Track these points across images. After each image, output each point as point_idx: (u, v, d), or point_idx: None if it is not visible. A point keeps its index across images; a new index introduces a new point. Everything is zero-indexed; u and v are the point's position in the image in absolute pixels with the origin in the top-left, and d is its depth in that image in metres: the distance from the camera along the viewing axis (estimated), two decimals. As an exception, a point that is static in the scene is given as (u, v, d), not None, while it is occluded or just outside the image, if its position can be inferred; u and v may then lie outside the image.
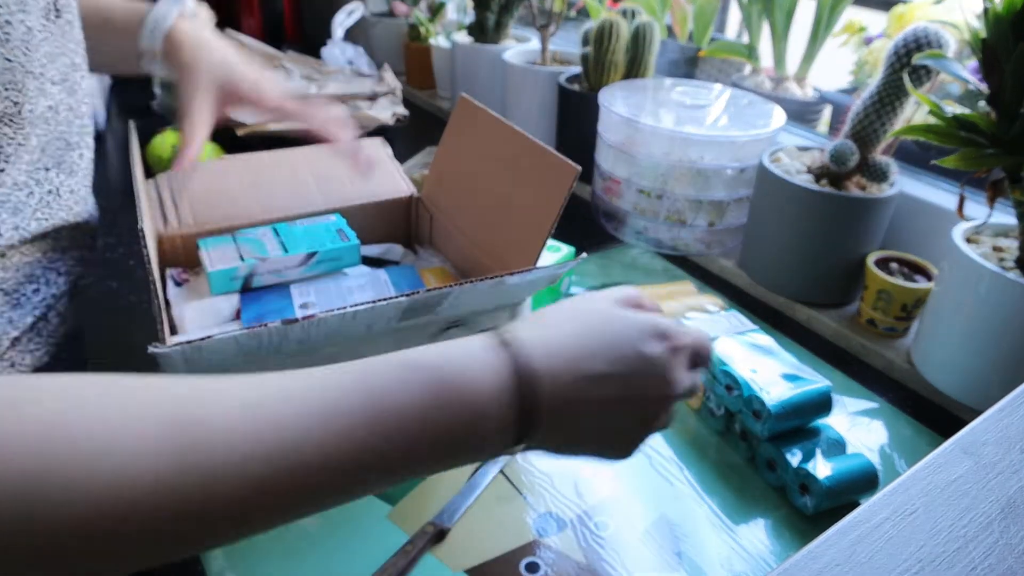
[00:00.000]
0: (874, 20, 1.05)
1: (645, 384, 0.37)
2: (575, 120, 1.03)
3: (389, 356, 0.34)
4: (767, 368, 0.61)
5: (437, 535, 0.51)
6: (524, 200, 0.61)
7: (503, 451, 0.36)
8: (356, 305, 0.47)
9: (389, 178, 0.79)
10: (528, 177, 0.61)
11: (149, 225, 0.54)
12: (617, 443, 0.39)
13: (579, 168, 0.55)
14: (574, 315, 0.39)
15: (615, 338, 0.37)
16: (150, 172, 0.93)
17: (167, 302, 0.62)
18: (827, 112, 1.10)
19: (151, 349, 0.43)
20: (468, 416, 0.33)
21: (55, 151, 0.51)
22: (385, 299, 0.48)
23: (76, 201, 0.54)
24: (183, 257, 0.69)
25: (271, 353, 0.51)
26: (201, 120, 0.62)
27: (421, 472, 0.34)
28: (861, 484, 0.55)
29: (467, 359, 0.34)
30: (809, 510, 0.54)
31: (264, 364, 0.52)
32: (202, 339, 0.44)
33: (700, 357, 0.41)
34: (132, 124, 0.61)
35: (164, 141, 1.02)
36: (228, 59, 0.66)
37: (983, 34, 0.56)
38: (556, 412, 0.35)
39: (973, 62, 0.64)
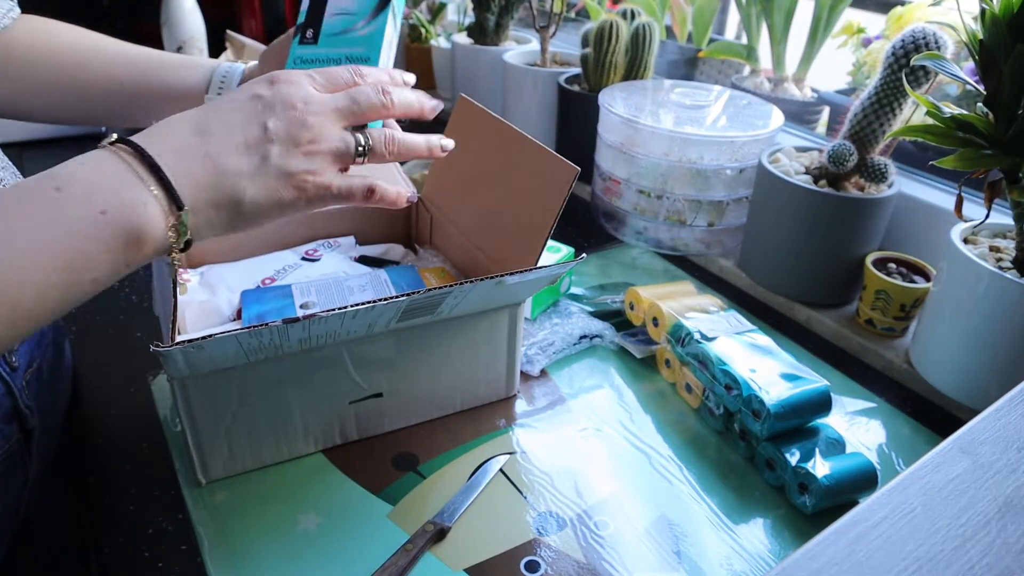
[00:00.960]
0: (872, 21, 1.05)
1: (267, 115, 0.41)
2: (575, 121, 1.03)
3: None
4: (766, 368, 0.61)
5: (437, 534, 0.51)
6: (524, 200, 0.61)
7: (164, 228, 0.38)
8: (356, 305, 0.47)
9: (389, 178, 0.79)
10: (528, 177, 0.61)
11: None
12: (283, 181, 0.41)
13: (578, 169, 0.55)
14: (188, 111, 0.42)
15: (226, 98, 0.42)
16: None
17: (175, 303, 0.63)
18: (825, 113, 1.10)
19: (153, 348, 0.44)
20: (86, 211, 0.36)
21: None
22: (385, 299, 0.48)
23: None
24: (183, 258, 0.69)
25: (272, 352, 0.51)
26: None
27: (99, 272, 0.37)
28: (860, 483, 0.55)
29: (75, 163, 0.37)
30: (808, 509, 0.54)
31: (265, 363, 0.52)
32: (203, 338, 0.44)
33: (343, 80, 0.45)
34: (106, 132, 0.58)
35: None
36: None
37: (980, 35, 0.56)
38: (186, 170, 0.38)
39: (971, 63, 0.64)
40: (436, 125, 0.73)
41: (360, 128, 0.45)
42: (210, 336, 0.44)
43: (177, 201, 0.38)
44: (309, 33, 0.52)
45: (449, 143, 0.49)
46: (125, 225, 0.36)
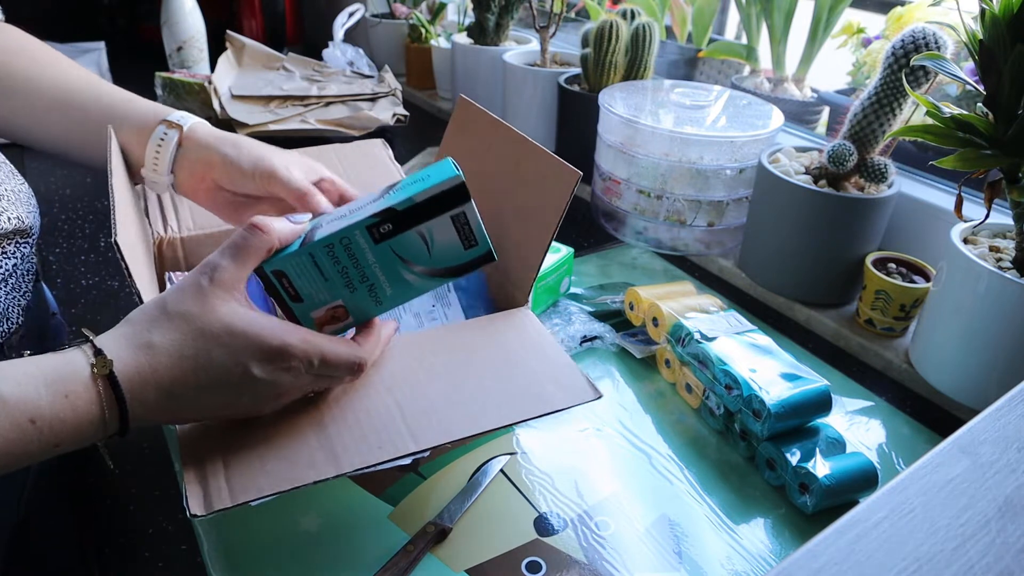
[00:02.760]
0: (872, 21, 1.05)
1: (244, 392, 0.42)
2: (575, 121, 1.03)
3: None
4: (766, 368, 0.61)
5: (438, 535, 0.51)
6: (526, 204, 0.61)
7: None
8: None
9: (390, 180, 0.79)
10: (529, 181, 0.61)
11: (131, 234, 0.53)
12: (230, 415, 0.44)
13: (580, 173, 0.55)
14: (185, 336, 0.41)
15: (218, 359, 0.41)
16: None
17: None
18: (825, 113, 1.10)
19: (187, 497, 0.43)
20: (45, 445, 0.39)
21: None
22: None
23: None
24: (183, 260, 0.69)
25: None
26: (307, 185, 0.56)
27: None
28: (860, 483, 0.55)
29: (50, 399, 0.38)
30: (808, 509, 0.55)
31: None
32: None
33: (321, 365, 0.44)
34: (110, 129, 0.57)
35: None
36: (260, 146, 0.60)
37: (980, 36, 0.56)
38: (146, 420, 0.41)
39: (971, 63, 0.64)
40: (437, 126, 0.73)
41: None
42: (247, 502, 0.43)
43: (124, 433, 0.41)
44: (386, 228, 0.44)
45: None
46: (68, 450, 0.40)
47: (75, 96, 0.60)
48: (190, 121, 0.58)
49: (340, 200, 0.59)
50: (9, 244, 0.54)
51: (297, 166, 0.58)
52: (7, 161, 0.58)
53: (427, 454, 0.49)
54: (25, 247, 0.57)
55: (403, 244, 0.44)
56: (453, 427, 0.47)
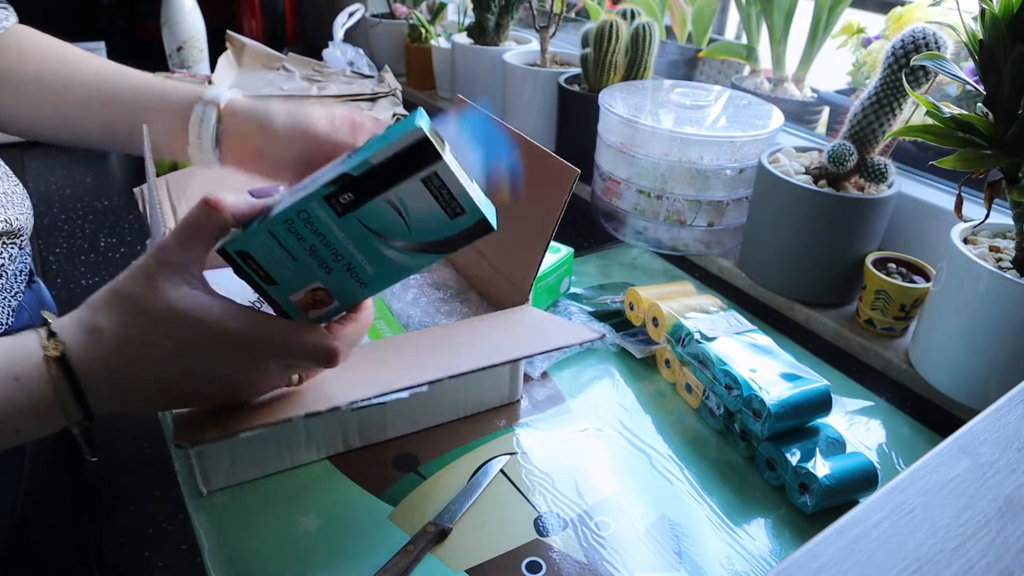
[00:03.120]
0: (872, 21, 1.05)
1: (207, 382, 0.41)
2: (575, 121, 1.03)
3: None
4: (766, 368, 0.61)
5: (438, 535, 0.51)
6: (524, 203, 0.61)
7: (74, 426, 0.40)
8: (385, 396, 0.47)
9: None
10: (528, 179, 0.61)
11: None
12: (205, 399, 0.43)
13: (578, 171, 0.55)
14: (134, 320, 0.40)
15: (168, 346, 0.40)
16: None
17: None
18: (825, 113, 1.10)
19: (176, 445, 0.43)
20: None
21: None
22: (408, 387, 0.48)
23: None
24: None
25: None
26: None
27: None
28: (860, 483, 0.55)
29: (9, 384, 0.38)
30: (809, 509, 0.55)
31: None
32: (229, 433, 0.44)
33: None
34: (146, 129, 0.58)
35: (165, 142, 1.02)
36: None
37: (980, 36, 0.56)
38: (112, 395, 0.40)
39: (971, 63, 0.64)
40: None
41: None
42: (237, 433, 0.44)
43: (91, 418, 0.40)
44: (347, 198, 0.38)
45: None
46: (33, 435, 0.39)
47: (108, 89, 0.60)
48: (226, 97, 0.59)
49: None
50: None
51: (334, 120, 0.57)
52: (1, 163, 0.58)
53: (425, 388, 0.48)
54: (14, 248, 0.56)
55: (372, 215, 0.38)
56: (454, 365, 0.47)
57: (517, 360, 0.49)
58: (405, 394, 0.47)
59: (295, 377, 0.46)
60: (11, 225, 0.55)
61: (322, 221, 0.38)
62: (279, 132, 0.56)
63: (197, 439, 0.42)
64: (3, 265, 0.55)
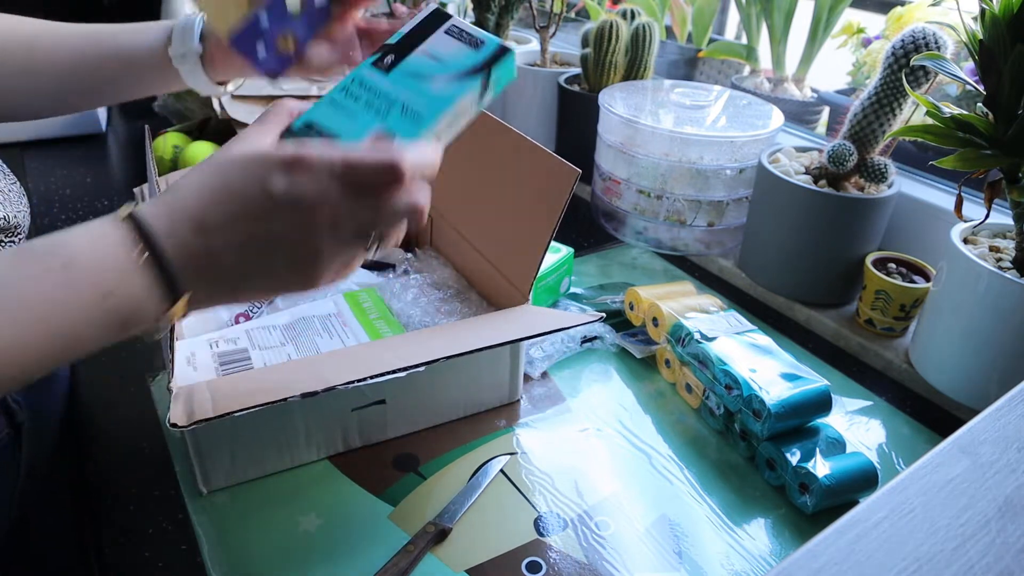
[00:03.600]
0: (872, 21, 1.05)
1: (274, 218, 0.38)
2: (575, 121, 1.03)
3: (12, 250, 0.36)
4: (766, 368, 0.61)
5: (438, 535, 0.51)
6: (525, 203, 0.61)
7: (159, 319, 0.38)
8: (375, 376, 0.47)
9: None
10: (528, 180, 0.61)
11: None
12: (284, 278, 0.40)
13: (579, 171, 0.55)
14: (203, 171, 0.39)
15: (239, 180, 0.38)
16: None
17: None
18: (825, 113, 1.10)
19: (171, 424, 0.43)
20: (91, 294, 0.35)
21: None
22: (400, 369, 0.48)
23: None
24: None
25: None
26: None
27: (91, 345, 0.36)
28: (860, 483, 0.55)
29: (83, 240, 0.36)
30: (809, 509, 0.55)
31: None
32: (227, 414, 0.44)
33: (370, 173, 0.39)
34: (148, 129, 0.58)
35: (166, 142, 1.02)
36: None
37: (980, 36, 0.56)
38: (188, 263, 0.37)
39: (971, 63, 0.64)
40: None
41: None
42: (229, 414, 0.44)
43: (176, 291, 0.37)
44: (389, 59, 0.46)
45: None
46: (123, 312, 0.36)
47: (88, 51, 0.59)
48: (199, 16, 0.59)
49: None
50: None
51: None
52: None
53: (421, 369, 0.49)
54: (12, 245, 0.57)
55: (413, 66, 0.46)
56: (452, 348, 0.48)
57: (516, 341, 0.50)
58: (402, 374, 0.47)
59: (369, 253, 0.41)
60: (8, 222, 0.55)
61: (372, 81, 0.46)
62: None
63: (192, 419, 0.42)
64: None
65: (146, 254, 0.36)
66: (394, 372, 0.47)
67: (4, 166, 0.59)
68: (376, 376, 0.46)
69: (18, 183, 0.60)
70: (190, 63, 0.59)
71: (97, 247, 0.36)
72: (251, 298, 0.41)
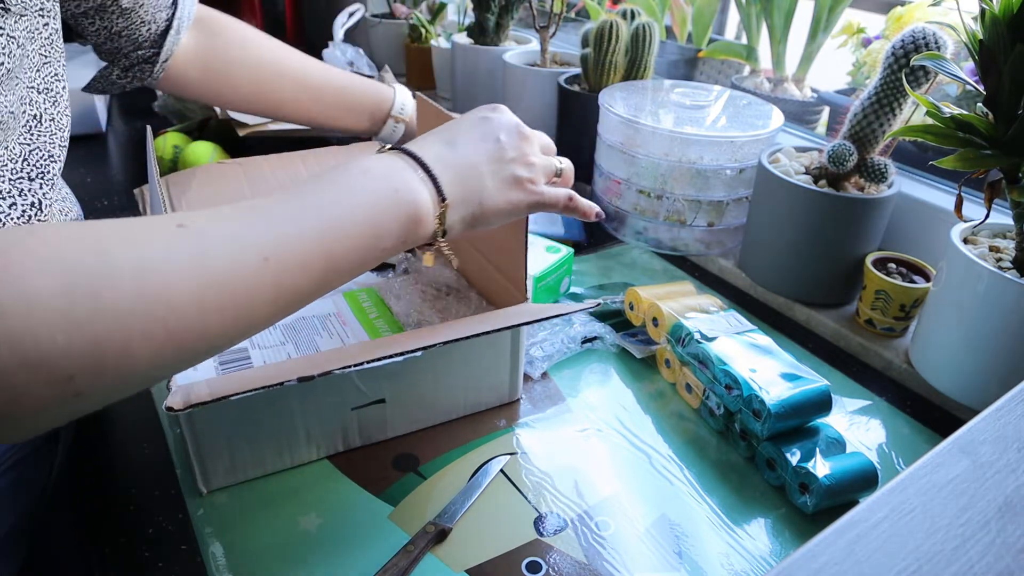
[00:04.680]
0: (872, 21, 1.05)
1: (492, 130, 0.50)
2: (575, 121, 1.03)
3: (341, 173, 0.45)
4: (766, 368, 0.61)
5: (438, 535, 0.51)
6: None
7: (437, 216, 0.47)
8: (369, 362, 0.48)
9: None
10: None
11: None
12: (512, 181, 0.50)
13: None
14: (438, 129, 0.52)
15: (460, 121, 0.52)
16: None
17: None
18: (825, 113, 1.10)
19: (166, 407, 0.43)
20: (386, 187, 0.44)
21: (38, 162, 0.51)
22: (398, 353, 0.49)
23: (61, 213, 0.54)
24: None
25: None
26: None
27: (389, 241, 0.44)
28: (860, 483, 0.55)
29: (368, 159, 0.46)
30: (809, 509, 0.55)
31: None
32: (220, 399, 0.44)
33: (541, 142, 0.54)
34: (149, 129, 0.61)
35: (166, 142, 1.02)
36: None
37: (980, 35, 0.56)
38: (445, 171, 0.47)
39: (971, 63, 0.64)
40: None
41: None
42: (225, 397, 0.44)
43: (442, 194, 0.46)
44: None
45: (598, 210, 0.57)
46: (411, 204, 0.45)
47: (312, 84, 0.84)
48: (409, 109, 0.86)
49: None
50: None
51: None
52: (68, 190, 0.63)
53: (419, 354, 0.51)
54: None
55: None
56: (450, 334, 0.49)
57: (517, 326, 0.51)
58: (400, 359, 0.49)
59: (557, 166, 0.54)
60: (80, 220, 0.58)
61: None
62: None
63: (188, 403, 0.42)
64: None
65: (418, 166, 0.46)
66: (392, 357, 0.48)
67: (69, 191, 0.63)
68: (373, 360, 0.47)
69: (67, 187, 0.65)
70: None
71: (382, 161, 0.46)
72: (493, 206, 0.50)
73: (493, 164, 0.50)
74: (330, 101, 0.84)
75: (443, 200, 0.46)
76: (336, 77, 0.85)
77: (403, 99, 0.83)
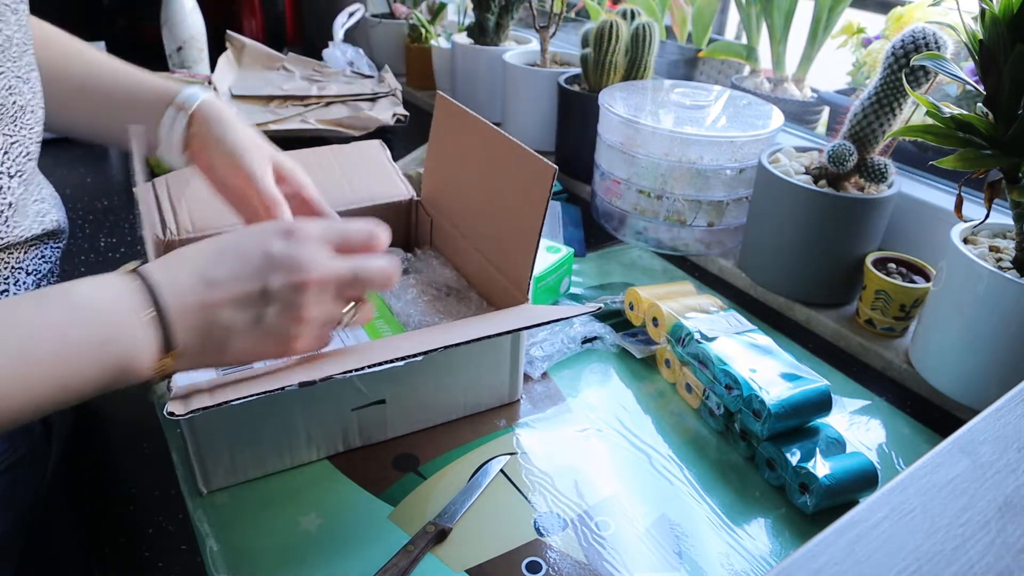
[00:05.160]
0: (872, 21, 1.05)
1: (270, 276, 0.42)
2: (575, 121, 1.03)
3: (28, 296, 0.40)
4: (766, 368, 0.61)
5: (438, 535, 0.51)
6: (511, 201, 0.61)
7: (152, 369, 0.40)
8: (371, 366, 0.47)
9: (388, 181, 0.79)
10: (512, 177, 0.61)
11: (150, 232, 0.55)
12: (268, 339, 0.44)
13: (555, 168, 0.56)
14: (209, 240, 0.44)
15: (239, 243, 0.43)
16: (151, 174, 0.93)
17: None
18: (825, 113, 1.10)
19: (167, 413, 0.43)
20: (94, 337, 0.38)
21: (18, 158, 0.50)
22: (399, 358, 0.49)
23: (38, 215, 0.54)
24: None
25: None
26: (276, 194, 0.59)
27: (84, 390, 0.39)
28: (860, 483, 0.55)
29: (90, 288, 0.40)
30: (809, 509, 0.55)
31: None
32: (222, 403, 0.44)
33: (348, 246, 0.46)
34: (133, 130, 0.59)
35: (165, 142, 1.02)
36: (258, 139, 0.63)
37: (980, 36, 0.56)
38: (186, 316, 0.40)
39: (971, 63, 0.64)
40: (425, 119, 0.74)
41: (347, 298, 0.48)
42: (227, 402, 0.44)
43: (170, 345, 0.40)
44: None
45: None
46: (121, 358, 0.39)
47: (94, 83, 0.62)
48: (198, 100, 0.61)
49: (305, 211, 0.62)
50: (45, 247, 0.56)
51: (273, 171, 0.60)
52: (38, 168, 0.59)
53: (420, 359, 0.50)
54: (58, 250, 0.58)
55: None
56: (443, 339, 0.49)
57: (517, 331, 0.51)
58: (401, 363, 0.48)
59: (345, 317, 0.47)
60: (60, 225, 0.57)
61: None
62: (224, 155, 0.59)
63: (189, 408, 0.42)
64: (51, 268, 0.56)
65: (151, 310, 0.40)
66: (392, 361, 0.47)
67: (42, 174, 0.59)
68: (374, 365, 0.47)
69: (51, 186, 0.61)
70: (174, 160, 0.62)
71: (103, 295, 0.39)
72: (235, 358, 0.44)
73: (251, 312, 0.42)
74: (115, 97, 0.62)
75: (169, 351, 0.40)
76: (124, 72, 0.63)
77: (194, 93, 0.61)
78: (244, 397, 0.44)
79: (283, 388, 0.44)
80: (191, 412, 0.43)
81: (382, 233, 0.48)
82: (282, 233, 0.43)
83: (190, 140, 0.60)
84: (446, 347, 0.50)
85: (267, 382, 0.45)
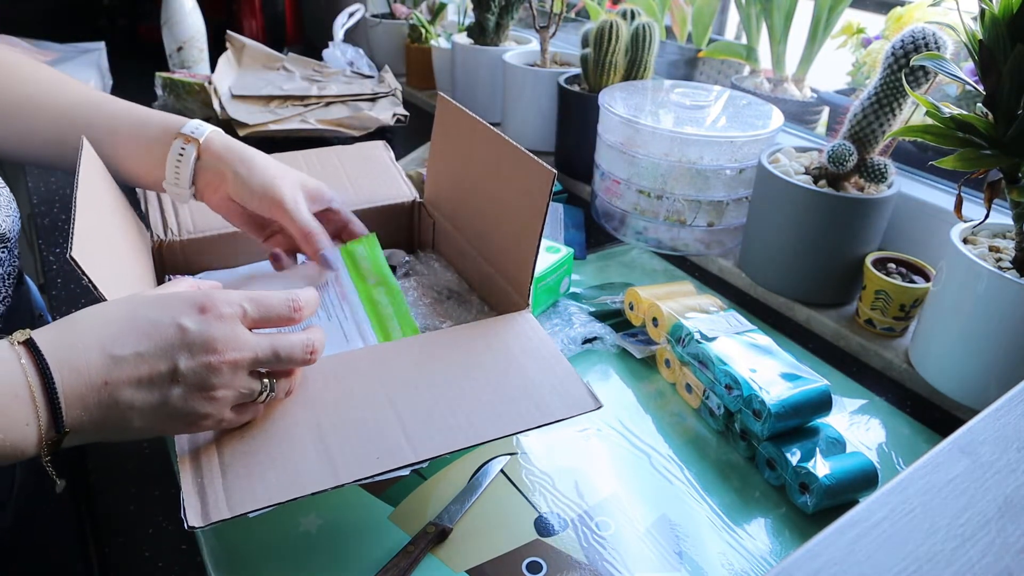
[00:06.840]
0: (872, 21, 1.05)
1: (181, 355, 0.39)
2: (575, 121, 1.03)
3: None
4: (766, 368, 0.61)
5: (439, 535, 0.51)
6: (512, 204, 0.61)
7: (37, 446, 0.37)
8: (390, 471, 0.46)
9: (392, 183, 0.79)
10: (512, 181, 0.61)
11: (98, 244, 0.52)
12: (174, 418, 0.40)
13: (555, 172, 0.55)
14: (111, 305, 0.41)
15: (150, 315, 0.39)
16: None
17: None
18: (825, 113, 1.10)
19: (188, 526, 0.42)
20: None
21: None
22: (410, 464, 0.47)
23: None
24: (183, 263, 0.69)
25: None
26: (313, 222, 0.59)
27: None
28: (860, 483, 0.55)
29: None
30: (809, 509, 0.55)
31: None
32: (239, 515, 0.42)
33: (268, 322, 0.43)
34: (83, 140, 0.56)
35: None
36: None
37: (980, 36, 0.56)
38: (83, 395, 0.37)
39: (971, 63, 0.64)
40: (425, 119, 0.73)
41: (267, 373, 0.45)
42: (246, 514, 0.42)
43: (59, 426, 0.37)
44: None
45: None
46: (2, 443, 0.36)
47: (81, 115, 0.59)
48: (206, 132, 0.59)
49: (342, 232, 0.63)
50: None
51: (305, 197, 0.60)
52: None
53: (426, 464, 0.50)
54: (3, 252, 0.56)
55: None
56: (452, 438, 0.47)
57: (510, 435, 0.50)
58: (405, 471, 0.48)
59: (261, 396, 0.44)
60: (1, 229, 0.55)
61: None
62: (253, 189, 0.58)
63: (209, 520, 0.41)
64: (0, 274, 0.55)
65: (40, 389, 0.36)
66: (399, 469, 0.46)
67: None
68: (385, 473, 0.45)
69: (7, 188, 0.59)
70: (181, 195, 0.60)
71: None
72: (139, 435, 0.41)
73: (157, 392, 0.39)
74: (103, 128, 0.60)
75: (60, 432, 0.37)
76: (111, 104, 0.61)
77: (199, 126, 0.59)
78: (263, 508, 0.42)
79: (295, 498, 0.43)
80: (210, 524, 0.41)
81: (306, 302, 0.45)
82: (197, 308, 0.40)
83: (199, 173, 0.58)
84: (450, 452, 0.48)
85: (280, 490, 0.43)
